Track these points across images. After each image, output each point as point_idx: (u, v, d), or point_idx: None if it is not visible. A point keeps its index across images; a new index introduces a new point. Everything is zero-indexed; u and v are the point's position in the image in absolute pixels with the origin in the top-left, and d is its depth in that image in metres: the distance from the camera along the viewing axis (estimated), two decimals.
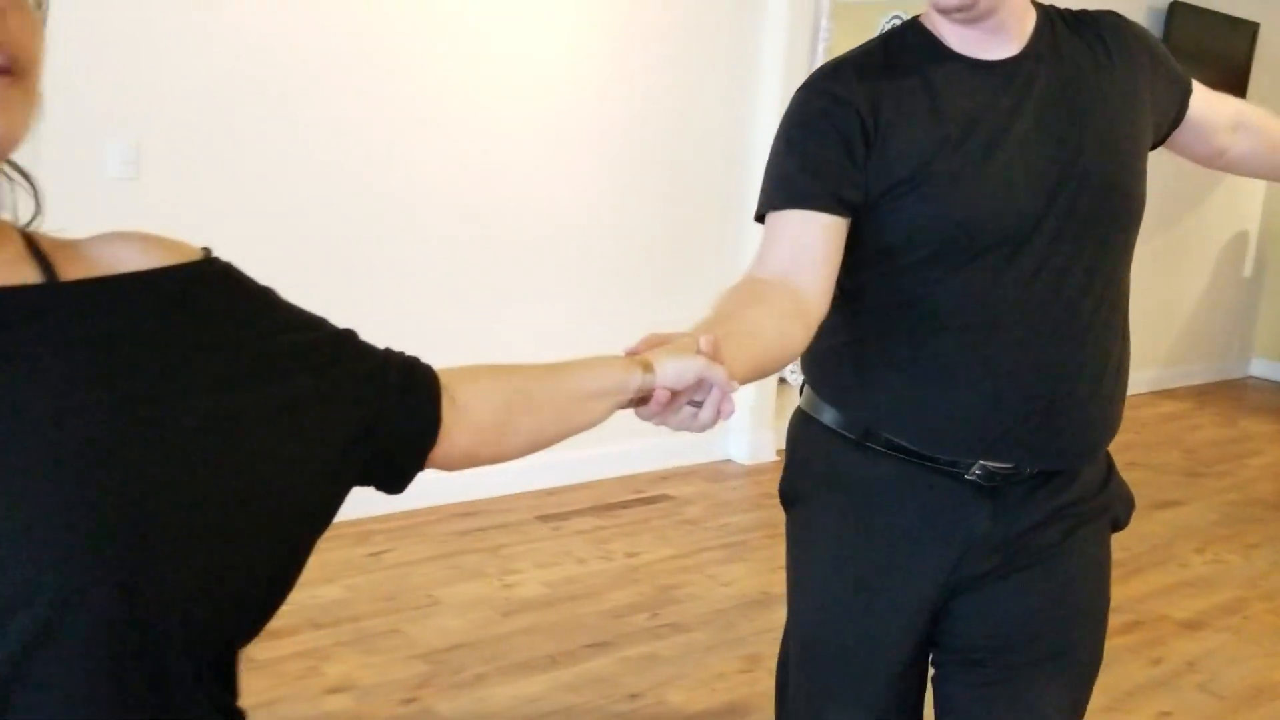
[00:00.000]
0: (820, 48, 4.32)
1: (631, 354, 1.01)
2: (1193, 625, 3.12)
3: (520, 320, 3.75)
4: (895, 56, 1.33)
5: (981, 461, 1.33)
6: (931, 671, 1.46)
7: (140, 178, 2.94)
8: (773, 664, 2.67)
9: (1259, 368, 7.04)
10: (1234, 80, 6.60)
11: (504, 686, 2.47)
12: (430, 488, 3.58)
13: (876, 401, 1.37)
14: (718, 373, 0.97)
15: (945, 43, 1.33)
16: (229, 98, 3.04)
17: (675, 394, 0.98)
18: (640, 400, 0.99)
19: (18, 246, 0.72)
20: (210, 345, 0.73)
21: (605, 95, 3.85)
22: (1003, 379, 1.30)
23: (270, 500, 0.73)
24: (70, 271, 0.71)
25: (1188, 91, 1.47)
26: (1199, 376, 6.41)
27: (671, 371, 0.98)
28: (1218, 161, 1.57)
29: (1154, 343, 6.14)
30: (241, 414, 0.72)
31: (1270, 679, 2.82)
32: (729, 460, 4.49)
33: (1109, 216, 1.32)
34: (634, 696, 2.51)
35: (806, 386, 1.49)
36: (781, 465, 1.55)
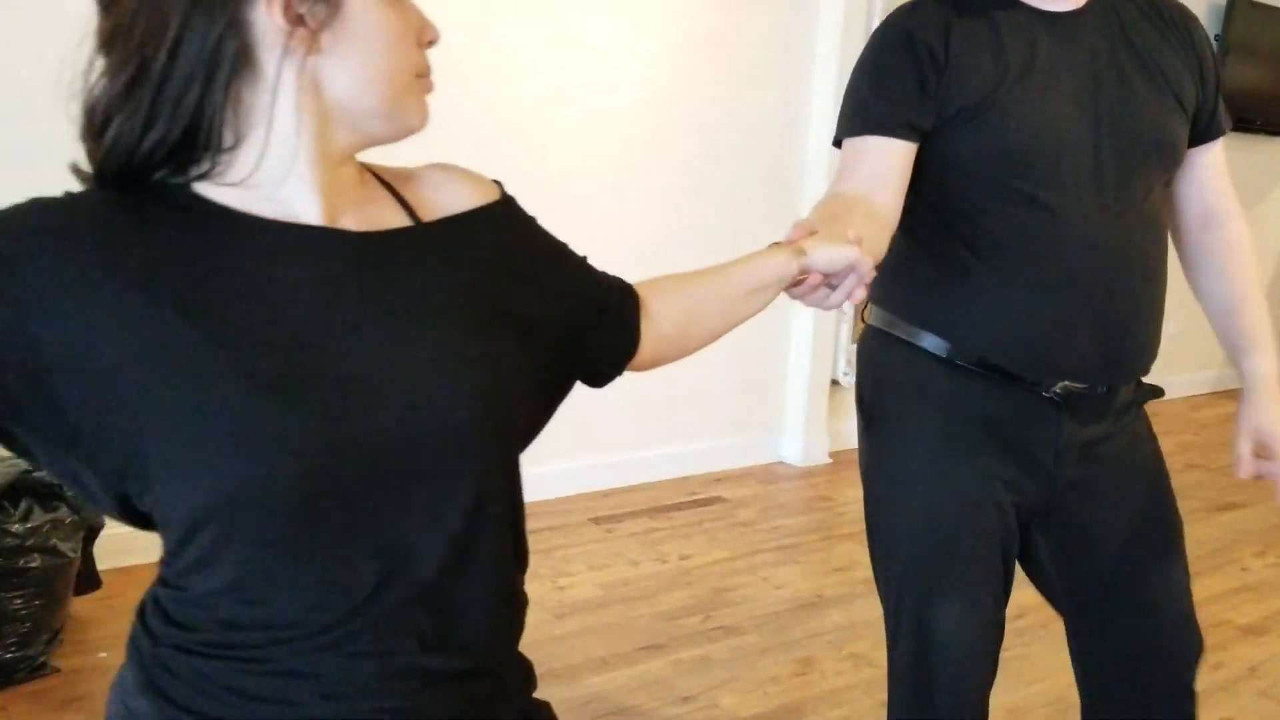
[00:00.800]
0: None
1: (786, 243, 1.16)
2: (1254, 630, 3.07)
3: None
4: (965, 2, 1.47)
5: (1063, 382, 1.49)
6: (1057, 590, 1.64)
7: None
8: (825, 667, 2.70)
9: None
10: None
11: (557, 688, 2.50)
12: None
13: (963, 326, 1.50)
14: (866, 263, 1.13)
15: None
16: None
17: (824, 277, 1.15)
18: (794, 283, 1.15)
19: (374, 182, 0.93)
20: (519, 271, 0.96)
21: (670, 113, 3.87)
22: (1079, 307, 1.44)
23: (524, 400, 0.94)
24: (422, 210, 0.93)
25: (1214, 135, 1.58)
26: None
27: (823, 258, 1.13)
28: (1171, 232, 1.62)
29: (1215, 343, 6.01)
30: (530, 326, 0.94)
31: None
32: (782, 462, 4.49)
33: (1155, 164, 1.47)
34: (686, 699, 2.53)
35: (878, 308, 1.61)
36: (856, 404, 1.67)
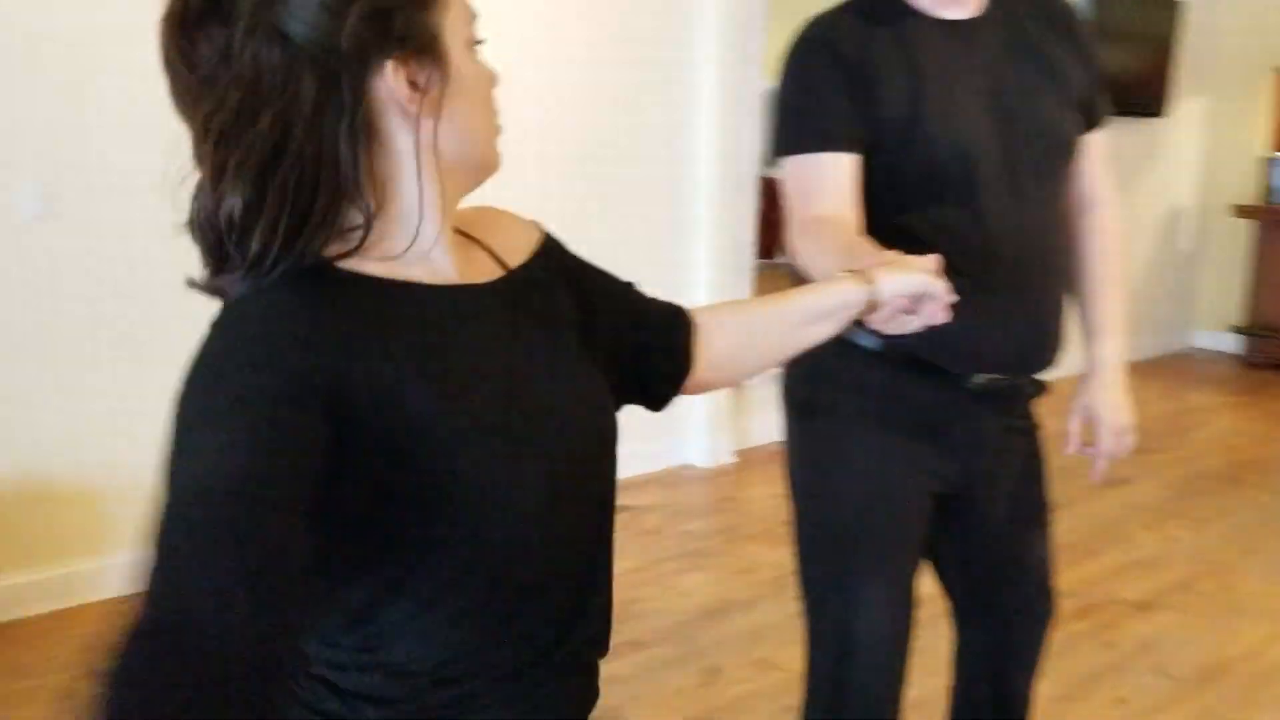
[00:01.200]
0: (754, 47, 4.33)
1: (854, 271, 1.16)
2: (1145, 606, 3.16)
3: None
4: (870, 14, 1.52)
5: (985, 375, 1.57)
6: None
7: (53, 219, 2.87)
8: (732, 674, 2.70)
9: (1202, 339, 7.16)
10: (1159, 60, 6.70)
11: None
12: None
13: None
14: (939, 287, 1.13)
15: (910, 1, 1.52)
16: (141, 135, 2.99)
17: (906, 301, 1.16)
18: (869, 309, 1.15)
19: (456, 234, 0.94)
20: (582, 305, 1.00)
21: (539, 116, 3.84)
22: (999, 303, 1.52)
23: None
24: (505, 256, 0.97)
25: (1096, 123, 1.66)
26: (1142, 351, 6.48)
27: (892, 286, 1.13)
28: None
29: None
30: (582, 355, 0.98)
31: (1221, 656, 2.87)
32: (688, 465, 4.49)
33: (1058, 161, 1.57)
34: None
35: None
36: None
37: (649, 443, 4.38)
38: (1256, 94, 7.58)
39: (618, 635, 2.96)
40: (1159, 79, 6.69)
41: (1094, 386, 1.69)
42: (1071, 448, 1.70)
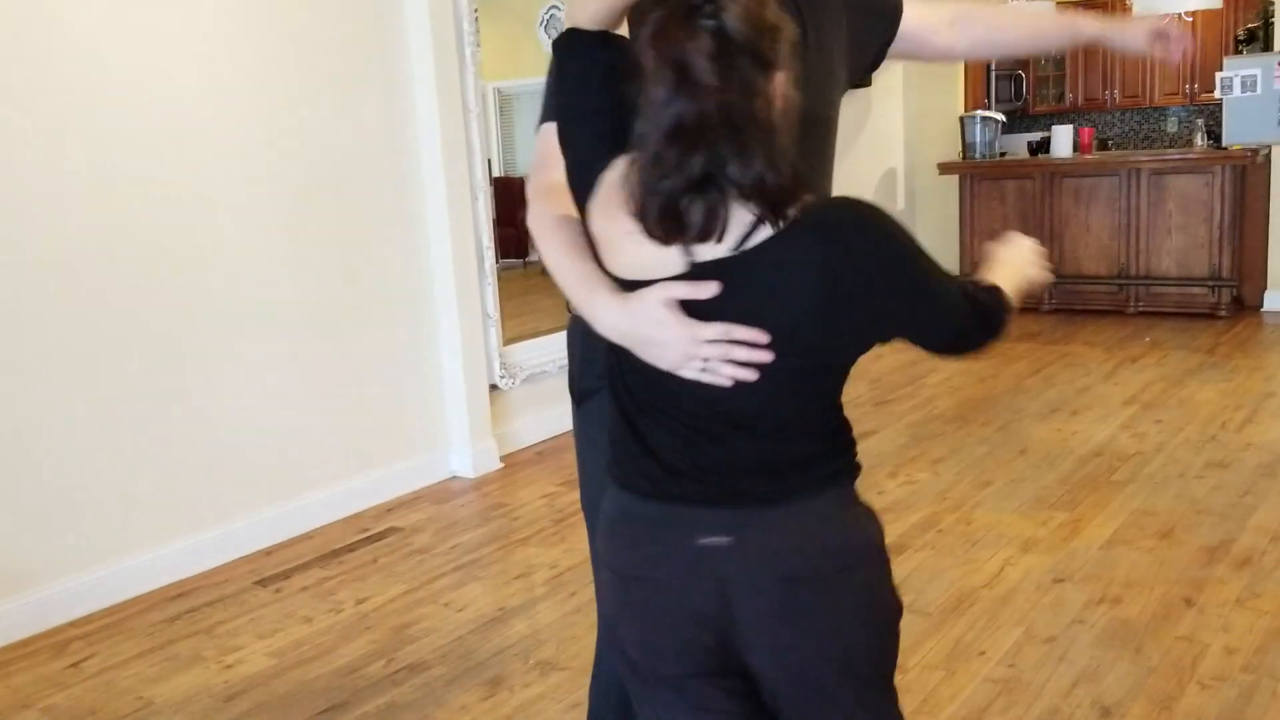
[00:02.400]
0: (469, 53, 4.29)
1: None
2: (896, 550, 3.36)
3: (207, 373, 3.53)
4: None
5: None
6: None
7: None
8: (514, 682, 2.68)
9: None
10: None
11: None
12: (132, 575, 3.32)
13: None
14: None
15: None
16: None
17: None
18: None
19: None
20: None
21: (253, 135, 3.66)
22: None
23: None
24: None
25: (896, 16, 1.72)
26: None
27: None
28: (950, 56, 1.88)
29: None
30: None
31: (966, 586, 3.09)
32: (455, 477, 4.43)
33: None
34: None
35: None
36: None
37: (413, 458, 4.29)
38: None
39: (397, 661, 2.90)
40: None
41: (1122, 26, 1.84)
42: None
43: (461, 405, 4.41)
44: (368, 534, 3.79)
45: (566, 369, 1.80)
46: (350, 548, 3.68)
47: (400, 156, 4.13)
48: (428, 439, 4.36)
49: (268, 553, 3.68)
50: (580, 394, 1.74)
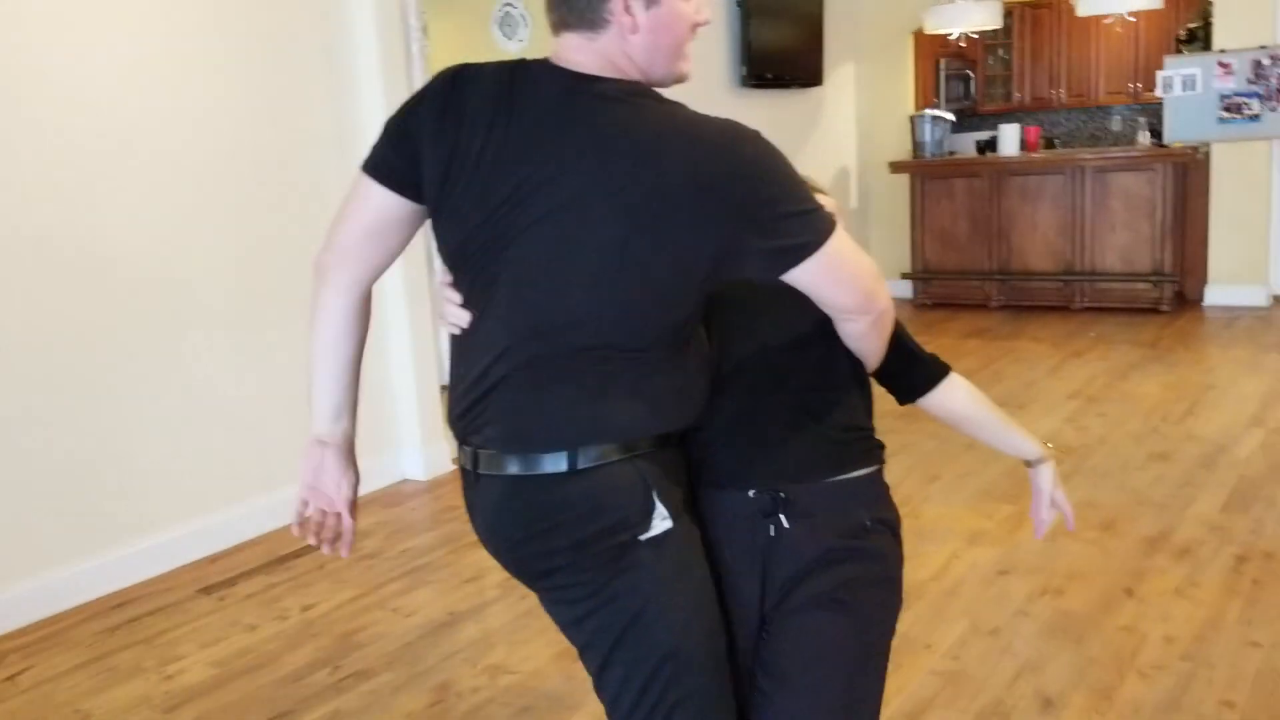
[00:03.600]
0: (415, 47, 4.26)
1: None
2: None
3: (146, 374, 3.47)
4: None
5: None
6: None
7: None
8: (463, 686, 2.66)
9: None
10: (812, 33, 7.15)
11: None
12: (71, 584, 3.26)
13: None
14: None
15: None
16: None
17: None
18: None
19: None
20: None
21: (201, 126, 3.61)
22: None
23: None
24: None
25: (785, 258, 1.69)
26: None
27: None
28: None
29: None
30: None
31: (913, 581, 3.02)
32: (406, 479, 4.40)
33: None
34: None
35: None
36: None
37: (363, 461, 4.22)
38: (899, 57, 8.26)
39: (343, 668, 2.87)
40: (814, 51, 7.15)
41: None
42: None
43: (412, 407, 4.37)
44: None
45: None
46: (297, 554, 3.64)
47: (345, 151, 4.09)
48: (378, 441, 4.32)
49: (212, 560, 3.63)
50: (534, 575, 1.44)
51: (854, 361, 1.50)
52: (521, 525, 1.38)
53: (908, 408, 1.63)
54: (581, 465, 1.32)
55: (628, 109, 1.28)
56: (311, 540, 1.56)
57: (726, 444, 1.47)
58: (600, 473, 1.33)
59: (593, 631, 1.39)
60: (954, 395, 1.59)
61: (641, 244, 1.25)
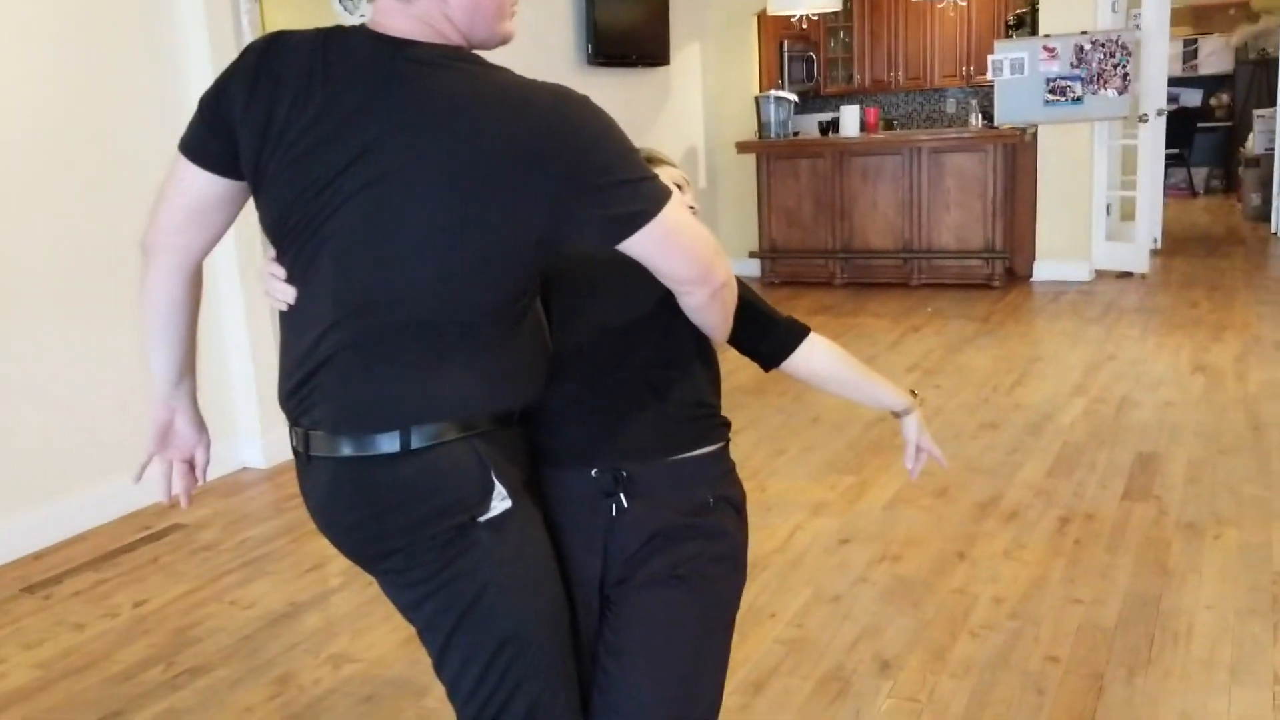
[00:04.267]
0: (245, 19, 4.08)
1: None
2: None
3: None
4: None
5: None
6: None
7: None
8: (304, 678, 2.59)
9: (735, 268, 7.90)
10: (658, 12, 7.18)
11: None
12: None
13: None
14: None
15: None
16: None
17: None
18: None
19: None
20: None
21: (9, 96, 3.38)
22: None
23: None
24: None
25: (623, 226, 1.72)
26: None
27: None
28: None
29: None
30: None
31: (759, 553, 3.15)
32: (245, 468, 4.24)
33: None
34: None
35: None
36: None
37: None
38: (744, 38, 8.37)
39: (177, 665, 2.75)
40: (660, 30, 7.18)
41: None
42: None
43: (251, 391, 4.22)
44: (148, 532, 3.58)
45: None
46: (129, 548, 3.47)
47: (169, 121, 3.88)
48: (214, 429, 4.03)
49: (37, 557, 3.43)
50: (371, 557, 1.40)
51: (699, 337, 1.50)
52: (356, 508, 1.34)
53: (758, 381, 1.66)
54: (415, 445, 1.29)
55: (448, 74, 1.24)
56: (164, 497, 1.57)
57: (568, 422, 1.46)
58: (436, 452, 1.30)
59: (432, 614, 1.36)
60: (815, 355, 1.61)
61: (466, 214, 1.22)
